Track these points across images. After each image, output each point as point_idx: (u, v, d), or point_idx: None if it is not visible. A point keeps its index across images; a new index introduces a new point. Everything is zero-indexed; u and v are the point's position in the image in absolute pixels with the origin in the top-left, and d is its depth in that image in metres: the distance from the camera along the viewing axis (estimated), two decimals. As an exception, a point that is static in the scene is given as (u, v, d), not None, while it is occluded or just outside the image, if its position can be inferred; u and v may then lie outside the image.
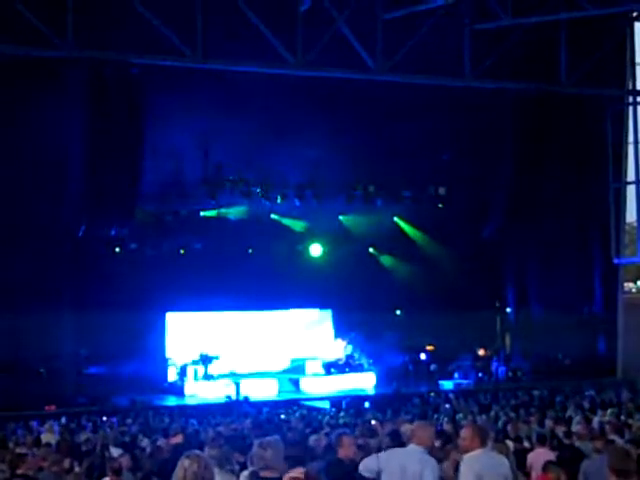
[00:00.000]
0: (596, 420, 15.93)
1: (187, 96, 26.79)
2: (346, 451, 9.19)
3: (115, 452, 13.42)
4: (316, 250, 33.67)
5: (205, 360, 29.49)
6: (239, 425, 18.10)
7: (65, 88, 25.07)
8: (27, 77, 24.49)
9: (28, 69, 24.21)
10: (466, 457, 8.64)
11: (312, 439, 12.41)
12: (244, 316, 32.48)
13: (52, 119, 25.04)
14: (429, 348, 33.57)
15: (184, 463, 6.19)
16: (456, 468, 9.13)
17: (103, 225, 27.77)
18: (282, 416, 21.94)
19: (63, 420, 22.23)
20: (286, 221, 32.62)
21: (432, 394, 27.19)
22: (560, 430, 13.96)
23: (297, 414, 21.37)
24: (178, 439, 12.69)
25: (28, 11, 22.67)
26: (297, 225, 32.90)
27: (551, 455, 11.30)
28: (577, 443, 12.79)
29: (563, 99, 29.29)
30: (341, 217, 33.65)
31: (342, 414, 21.53)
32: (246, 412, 22.89)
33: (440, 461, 9.65)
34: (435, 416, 19.57)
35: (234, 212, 31.51)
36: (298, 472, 7.77)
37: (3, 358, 26.62)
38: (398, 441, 11.18)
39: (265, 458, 7.22)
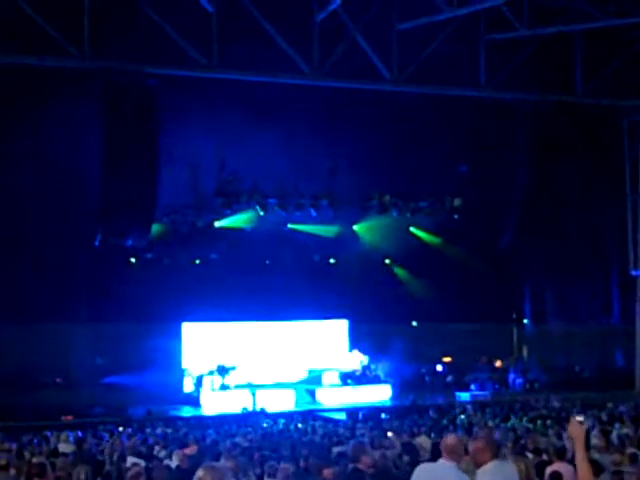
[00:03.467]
0: (614, 433, 15.82)
1: (203, 107, 26.86)
2: (366, 461, 9.09)
3: (131, 462, 13.40)
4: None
5: (221, 371, 29.44)
6: (255, 436, 18.07)
7: (82, 98, 25.15)
8: (44, 87, 24.60)
9: (45, 79, 24.32)
10: (479, 471, 8.50)
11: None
12: (261, 326, 32.42)
13: (68, 129, 25.16)
14: (446, 359, 33.48)
15: (199, 474, 6.17)
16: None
17: (119, 235, 27.77)
18: (299, 425, 21.91)
19: (79, 430, 22.22)
20: (312, 228, 32.50)
21: (449, 406, 27.04)
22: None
23: (316, 427, 21.21)
24: (193, 450, 12.66)
25: (45, 22, 22.79)
26: (324, 230, 32.77)
27: (570, 468, 11.21)
28: (595, 456, 12.70)
29: (579, 110, 29.22)
30: (356, 227, 33.59)
31: (359, 425, 21.43)
32: (262, 423, 22.86)
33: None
34: (451, 428, 19.46)
35: (243, 219, 31.43)
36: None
37: (20, 368, 26.70)
38: (413, 453, 11.14)
39: None
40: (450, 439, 8.70)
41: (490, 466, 8.39)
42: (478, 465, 8.52)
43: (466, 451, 9.13)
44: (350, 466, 9.40)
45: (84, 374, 28.36)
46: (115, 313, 27.46)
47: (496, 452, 8.57)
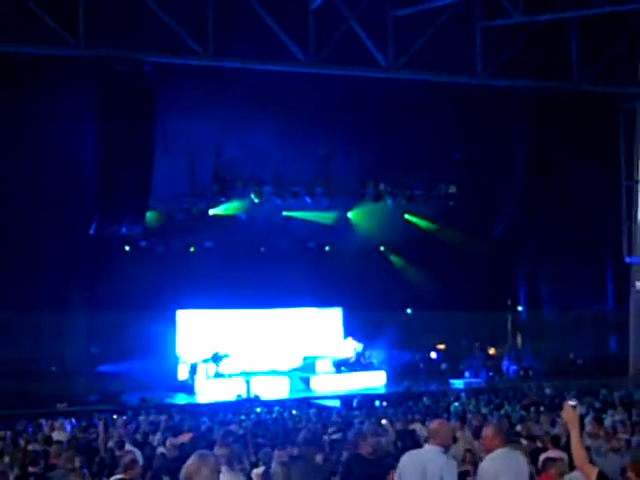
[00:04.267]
0: (608, 419, 15.87)
1: (199, 94, 26.79)
2: (367, 447, 9.13)
3: (126, 450, 13.39)
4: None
5: (216, 358, 29.48)
6: (250, 423, 18.09)
7: (77, 86, 25.11)
8: (39, 76, 24.52)
9: (40, 68, 24.24)
10: (487, 457, 8.58)
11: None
12: (255, 314, 32.45)
13: (64, 118, 25.09)
14: (440, 347, 33.54)
15: (191, 461, 6.15)
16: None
17: (114, 223, 27.76)
18: (293, 411, 21.95)
19: (74, 418, 22.23)
20: (307, 215, 32.45)
21: (443, 393, 27.10)
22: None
23: (310, 414, 21.23)
24: (187, 438, 12.68)
25: (41, 10, 22.71)
26: (319, 217, 32.74)
27: (563, 455, 11.25)
28: (588, 442, 12.74)
29: (575, 97, 29.19)
30: (351, 215, 33.58)
31: (355, 413, 21.46)
32: (257, 410, 22.90)
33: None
34: (445, 415, 19.51)
35: (238, 207, 31.36)
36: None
37: (15, 357, 26.68)
38: (408, 440, 11.17)
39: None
40: (434, 423, 8.87)
41: (499, 453, 8.50)
42: (487, 451, 8.63)
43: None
44: (349, 452, 9.47)
45: (79, 362, 28.37)
46: (110, 301, 27.40)
47: (506, 439, 8.71)
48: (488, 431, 8.73)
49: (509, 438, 11.41)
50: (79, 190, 26.80)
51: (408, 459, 8.60)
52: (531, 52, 27.45)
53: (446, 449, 8.81)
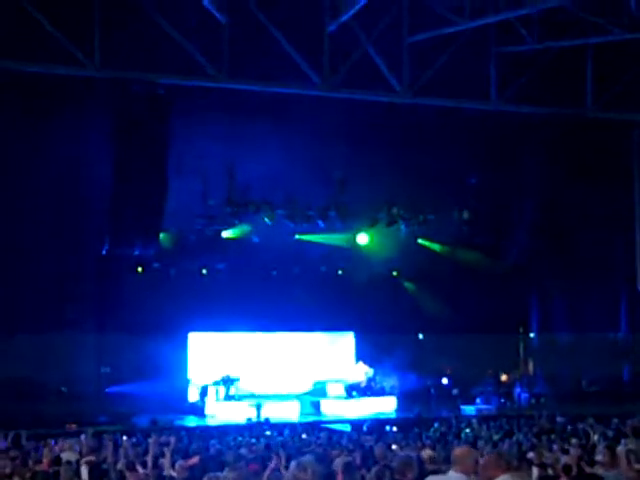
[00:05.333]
0: (621, 448, 15.70)
1: (213, 115, 26.85)
2: (410, 475, 9.00)
3: (135, 471, 13.32)
4: (363, 239, 33.38)
5: (226, 381, 29.41)
6: (260, 447, 17.99)
7: (92, 106, 25.19)
8: (52, 96, 24.63)
9: (53, 88, 24.34)
10: None
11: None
12: (266, 337, 32.41)
13: (77, 138, 25.20)
14: (448, 372, 33.40)
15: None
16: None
17: (127, 244, 27.77)
18: (303, 435, 21.84)
19: (83, 439, 22.14)
20: (320, 239, 32.37)
21: (454, 419, 26.92)
22: (584, 458, 13.77)
23: (320, 438, 21.11)
24: (195, 460, 12.63)
25: (57, 31, 22.82)
26: (331, 241, 32.64)
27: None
28: (600, 471, 12.62)
29: (589, 123, 29.14)
30: (364, 239, 33.45)
31: (364, 437, 21.31)
32: (267, 434, 22.79)
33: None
34: (456, 442, 19.36)
35: (251, 230, 31.25)
36: None
37: (25, 377, 26.69)
38: (418, 466, 11.07)
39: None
40: (458, 450, 8.65)
41: None
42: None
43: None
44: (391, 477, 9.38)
45: (89, 383, 28.36)
46: (121, 322, 27.46)
47: (506, 467, 8.48)
48: (488, 459, 8.39)
49: (519, 465, 11.30)
50: (92, 210, 26.84)
51: None
52: (545, 79, 27.46)
53: (470, 478, 8.64)
